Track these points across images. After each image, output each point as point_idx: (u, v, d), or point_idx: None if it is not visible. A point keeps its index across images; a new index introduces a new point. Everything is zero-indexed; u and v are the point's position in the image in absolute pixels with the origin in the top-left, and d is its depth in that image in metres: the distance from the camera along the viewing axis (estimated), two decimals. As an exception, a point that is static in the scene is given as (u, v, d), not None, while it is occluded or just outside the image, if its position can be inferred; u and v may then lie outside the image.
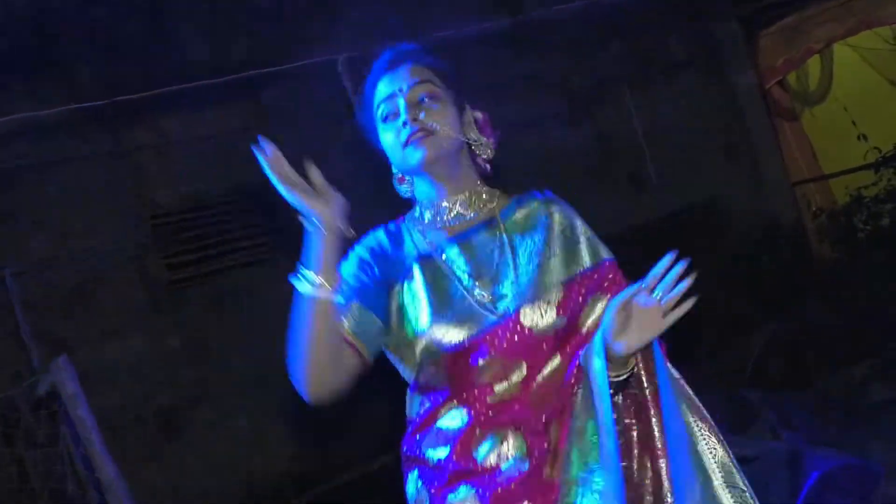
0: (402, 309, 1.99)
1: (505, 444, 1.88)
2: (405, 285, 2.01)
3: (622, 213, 6.63)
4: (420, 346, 1.96)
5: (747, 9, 7.66)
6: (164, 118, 5.72)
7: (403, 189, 2.13)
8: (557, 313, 1.94)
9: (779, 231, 7.39)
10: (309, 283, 1.85)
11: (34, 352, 4.93)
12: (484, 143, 2.10)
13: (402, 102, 1.98)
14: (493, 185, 2.15)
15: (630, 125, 7.03)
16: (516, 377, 1.92)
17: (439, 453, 1.94)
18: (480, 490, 1.87)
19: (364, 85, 2.08)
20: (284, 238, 5.72)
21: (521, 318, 1.93)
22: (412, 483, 2.00)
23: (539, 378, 1.92)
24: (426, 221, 2.08)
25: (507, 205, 2.11)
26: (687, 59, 7.43)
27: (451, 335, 1.93)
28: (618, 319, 1.84)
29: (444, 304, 1.96)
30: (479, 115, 2.13)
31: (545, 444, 1.89)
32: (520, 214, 2.10)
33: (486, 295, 1.96)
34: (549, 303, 1.94)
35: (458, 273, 1.99)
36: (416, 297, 1.98)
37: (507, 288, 1.97)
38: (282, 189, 1.83)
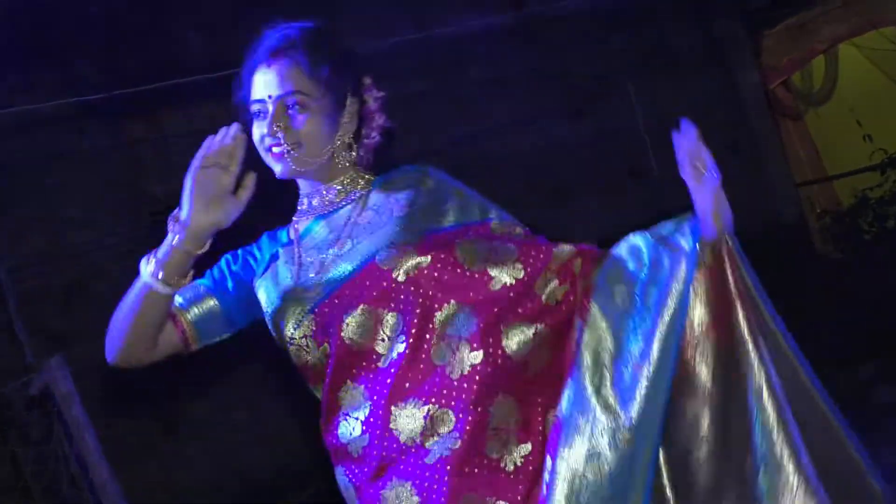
0: (260, 300, 1.98)
1: (426, 418, 1.80)
2: (265, 276, 1.99)
3: (623, 207, 6.57)
4: (278, 327, 1.94)
5: (752, 7, 7.60)
6: (163, 112, 5.68)
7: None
8: (420, 255, 1.86)
9: (782, 231, 7.33)
10: (151, 273, 1.86)
11: (28, 347, 4.89)
12: (366, 134, 2.01)
13: (270, 111, 1.92)
14: (375, 167, 2.07)
15: (632, 120, 6.98)
16: (398, 335, 1.84)
17: (355, 441, 1.87)
18: (417, 481, 1.79)
19: (243, 67, 2.01)
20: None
21: (379, 263, 1.86)
22: (339, 478, 1.94)
23: (434, 337, 1.83)
24: (301, 209, 2.05)
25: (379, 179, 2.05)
26: (691, 55, 7.38)
27: (303, 302, 1.91)
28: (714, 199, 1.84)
29: (292, 281, 1.94)
30: (371, 97, 2.02)
31: (483, 418, 1.79)
32: (389, 183, 2.02)
33: (339, 254, 1.92)
34: (412, 245, 1.87)
35: (316, 246, 1.97)
36: (269, 284, 1.97)
37: (363, 244, 1.91)
38: (197, 167, 1.84)
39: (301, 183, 2.03)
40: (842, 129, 8.12)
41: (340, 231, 1.95)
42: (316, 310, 1.88)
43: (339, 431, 1.89)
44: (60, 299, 5.41)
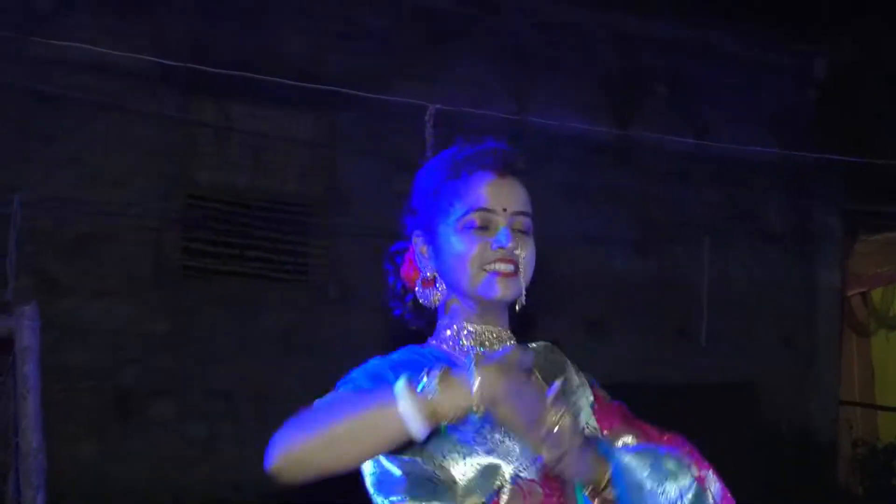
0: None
1: None
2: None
3: (661, 362, 6.39)
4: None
5: (856, 208, 7.32)
6: (236, 103, 5.53)
7: (426, 293, 1.79)
8: None
9: (810, 445, 6.97)
10: (418, 409, 1.47)
11: (14, 285, 4.65)
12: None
13: (503, 225, 1.72)
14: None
15: (698, 274, 6.73)
16: None
17: None
18: None
19: (448, 158, 1.77)
20: (311, 267, 5.69)
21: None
22: None
23: None
24: (462, 345, 1.76)
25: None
26: (777, 232, 7.16)
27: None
28: None
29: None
30: None
31: None
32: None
33: None
34: None
35: None
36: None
37: None
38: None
39: (469, 314, 1.77)
40: (906, 362, 7.76)
41: None
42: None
43: None
44: (64, 249, 5.24)
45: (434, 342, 1.78)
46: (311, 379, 5.38)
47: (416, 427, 1.45)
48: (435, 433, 1.53)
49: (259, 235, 5.62)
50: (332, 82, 5.30)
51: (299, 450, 1.50)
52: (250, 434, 5.44)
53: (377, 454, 1.56)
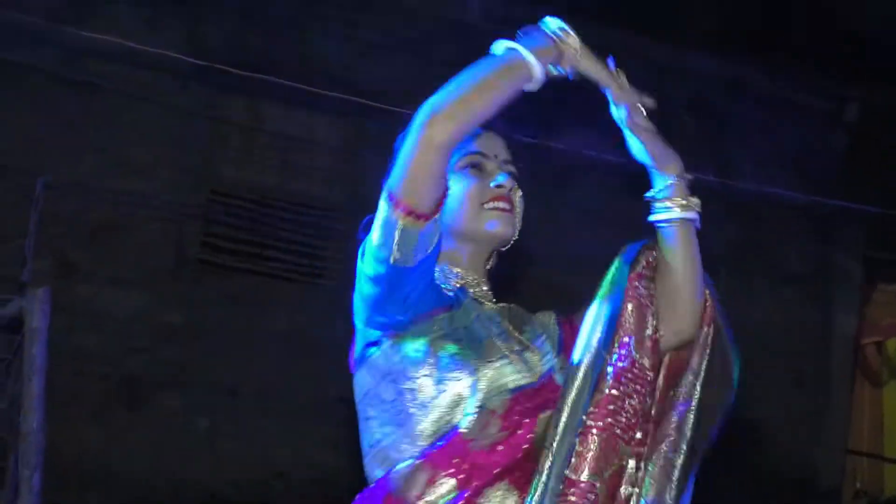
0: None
1: None
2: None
3: None
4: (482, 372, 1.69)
5: (878, 255, 7.28)
6: (266, 103, 5.57)
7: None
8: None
9: (814, 490, 6.90)
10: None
11: (31, 266, 4.69)
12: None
13: (496, 167, 1.84)
14: None
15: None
16: None
17: None
18: None
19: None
20: (327, 271, 5.72)
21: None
22: None
23: None
24: (455, 285, 1.81)
25: None
26: (797, 272, 7.10)
27: (518, 374, 1.72)
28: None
29: (507, 340, 1.77)
30: None
31: None
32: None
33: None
34: None
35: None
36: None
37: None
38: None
39: (465, 257, 1.85)
40: (916, 416, 7.69)
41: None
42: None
43: None
44: (84, 235, 5.28)
45: None
46: (315, 381, 5.43)
47: (538, 70, 1.68)
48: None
49: (279, 236, 5.65)
50: (363, 90, 5.35)
51: (453, 102, 1.62)
52: (251, 432, 5.47)
53: (511, 98, 1.68)
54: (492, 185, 1.81)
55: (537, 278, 5.42)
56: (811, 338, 7.17)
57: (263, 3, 5.63)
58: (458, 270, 1.82)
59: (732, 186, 6.07)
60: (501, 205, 1.80)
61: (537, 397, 1.69)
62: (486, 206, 1.80)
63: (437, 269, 1.78)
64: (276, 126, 5.62)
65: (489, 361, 1.69)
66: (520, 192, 1.85)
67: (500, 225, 1.80)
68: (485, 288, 1.83)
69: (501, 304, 1.86)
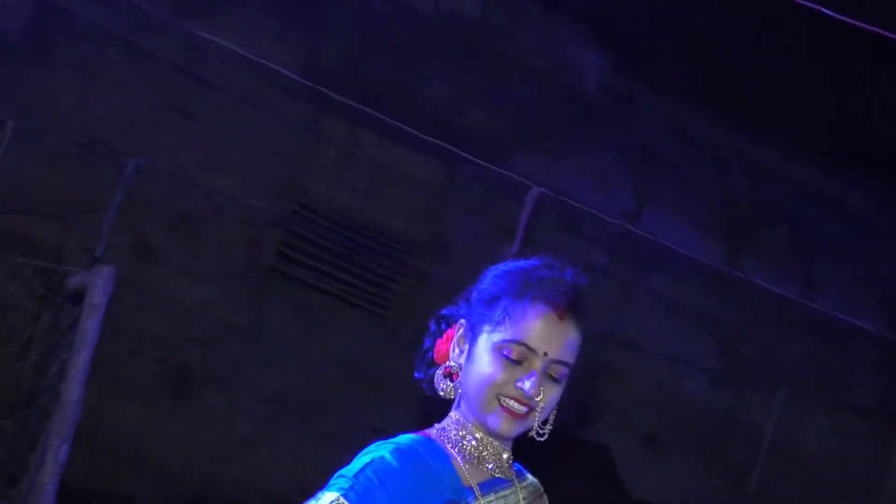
0: None
1: None
2: None
3: (705, 493, 6.29)
4: None
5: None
6: (366, 130, 5.64)
7: (443, 385, 1.78)
8: None
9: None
10: None
11: (107, 241, 4.81)
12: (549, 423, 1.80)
13: (536, 369, 1.70)
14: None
15: (766, 420, 6.55)
16: None
17: None
18: None
19: (521, 272, 1.75)
20: (394, 304, 5.73)
21: None
22: None
23: None
24: (466, 453, 1.75)
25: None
26: (862, 403, 6.96)
27: None
28: None
29: None
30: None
31: None
32: (525, 487, 1.83)
33: None
34: None
35: None
36: None
37: None
38: None
39: (485, 430, 1.77)
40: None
41: None
42: None
43: None
44: (166, 222, 5.38)
45: (438, 433, 1.76)
46: (359, 409, 5.44)
47: None
48: None
49: (353, 259, 5.69)
50: (462, 135, 5.39)
51: None
52: (288, 446, 5.48)
53: None
54: (517, 384, 1.70)
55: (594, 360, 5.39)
56: (864, 472, 6.96)
57: (385, 33, 5.72)
58: (478, 437, 1.75)
59: (812, 304, 5.96)
60: (515, 407, 1.70)
61: None
62: (501, 398, 1.71)
63: (460, 415, 1.75)
64: (371, 153, 5.69)
65: None
66: (551, 393, 1.72)
67: (504, 425, 1.71)
68: (504, 456, 1.76)
69: (512, 489, 1.79)
